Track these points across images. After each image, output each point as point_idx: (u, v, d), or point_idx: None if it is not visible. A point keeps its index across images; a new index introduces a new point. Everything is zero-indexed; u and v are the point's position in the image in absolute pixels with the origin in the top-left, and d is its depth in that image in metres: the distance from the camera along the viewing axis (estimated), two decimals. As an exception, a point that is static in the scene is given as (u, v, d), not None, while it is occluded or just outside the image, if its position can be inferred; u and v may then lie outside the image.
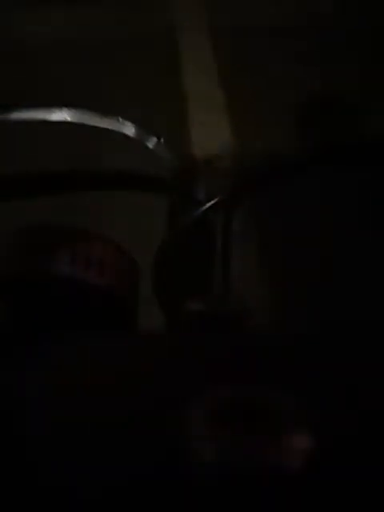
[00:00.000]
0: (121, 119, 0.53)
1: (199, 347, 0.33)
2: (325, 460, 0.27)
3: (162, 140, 0.52)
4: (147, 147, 0.53)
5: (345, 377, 0.31)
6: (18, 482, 0.28)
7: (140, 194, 0.51)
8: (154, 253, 0.47)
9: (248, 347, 0.33)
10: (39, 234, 0.42)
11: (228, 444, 0.27)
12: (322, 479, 0.27)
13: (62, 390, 0.31)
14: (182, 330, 0.39)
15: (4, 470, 0.28)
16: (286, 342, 0.34)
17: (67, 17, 1.74)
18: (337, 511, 0.26)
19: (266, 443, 0.27)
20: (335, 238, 0.53)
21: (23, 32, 1.55)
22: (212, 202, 0.47)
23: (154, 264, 0.46)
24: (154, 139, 0.53)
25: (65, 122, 0.53)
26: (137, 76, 1.37)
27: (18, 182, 0.47)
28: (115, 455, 0.28)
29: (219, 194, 0.48)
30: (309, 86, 1.18)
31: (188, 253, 0.48)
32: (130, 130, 0.53)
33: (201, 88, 1.31)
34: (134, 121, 0.53)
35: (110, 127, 0.52)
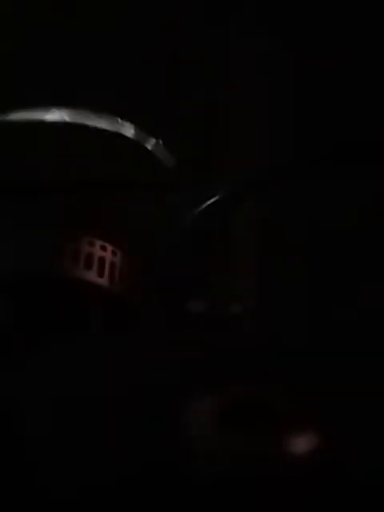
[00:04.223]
0: (120, 120, 0.53)
1: (199, 347, 0.33)
2: (326, 460, 0.27)
3: (160, 141, 0.52)
4: (146, 148, 0.53)
5: (345, 376, 0.31)
6: (18, 482, 0.28)
7: (140, 194, 0.51)
8: (154, 253, 0.47)
9: (248, 347, 0.33)
10: (39, 234, 0.42)
11: (228, 444, 0.27)
12: (322, 480, 0.27)
13: (61, 390, 0.31)
14: (182, 330, 0.39)
15: (4, 470, 0.28)
16: (286, 341, 0.34)
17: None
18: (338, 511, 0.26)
19: (266, 443, 0.27)
20: (335, 240, 0.53)
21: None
22: (212, 201, 0.47)
23: (154, 264, 0.46)
24: (153, 140, 0.53)
25: (63, 122, 0.53)
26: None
27: (17, 183, 0.47)
28: (114, 456, 0.28)
29: (219, 194, 0.48)
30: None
31: (188, 253, 0.48)
32: (128, 130, 0.53)
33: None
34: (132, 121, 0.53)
35: (108, 128, 0.52)
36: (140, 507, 0.27)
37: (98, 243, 0.42)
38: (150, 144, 0.52)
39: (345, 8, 0.61)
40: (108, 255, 0.42)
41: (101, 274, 0.41)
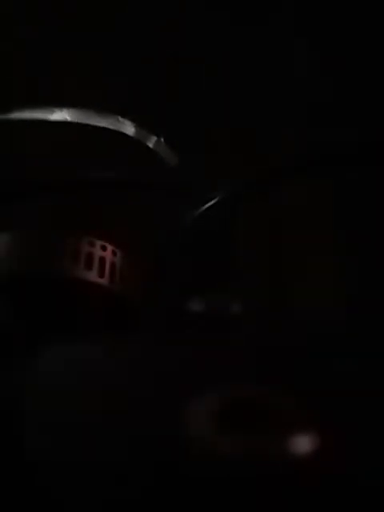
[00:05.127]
0: (120, 118, 0.53)
1: (199, 347, 0.33)
2: (326, 460, 0.27)
3: (162, 139, 0.53)
4: (147, 146, 0.53)
5: (346, 376, 0.31)
6: (18, 482, 0.28)
7: (140, 193, 0.51)
8: (154, 253, 0.47)
9: (248, 347, 0.33)
10: (39, 234, 0.42)
11: (228, 444, 0.27)
12: (323, 480, 0.27)
13: (61, 390, 0.31)
14: (182, 330, 0.39)
15: (4, 470, 0.28)
16: (286, 341, 0.34)
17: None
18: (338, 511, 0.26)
19: (266, 443, 0.27)
20: (336, 239, 0.53)
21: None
22: (212, 201, 0.47)
23: (154, 264, 0.46)
24: (154, 138, 0.53)
25: (64, 121, 0.53)
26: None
27: (17, 184, 0.47)
28: (114, 455, 0.28)
29: (219, 194, 0.48)
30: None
31: (188, 253, 0.48)
32: (129, 129, 0.53)
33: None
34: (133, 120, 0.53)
35: (109, 126, 0.52)
36: (140, 507, 0.27)
37: (98, 243, 0.42)
38: (152, 142, 0.52)
39: (344, 8, 0.61)
40: (108, 255, 0.42)
41: (101, 274, 0.41)
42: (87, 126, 0.52)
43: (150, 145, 0.52)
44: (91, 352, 0.33)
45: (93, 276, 0.41)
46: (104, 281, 0.41)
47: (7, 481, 0.28)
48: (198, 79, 0.60)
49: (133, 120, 0.53)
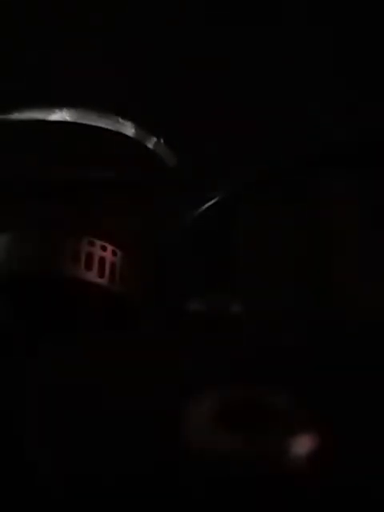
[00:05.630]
0: (120, 118, 0.53)
1: (199, 347, 0.33)
2: (325, 460, 0.27)
3: (161, 140, 0.53)
4: (147, 146, 0.53)
5: (345, 376, 0.31)
6: (18, 482, 0.28)
7: (140, 193, 0.51)
8: (154, 253, 0.47)
9: (248, 347, 0.33)
10: (39, 234, 0.42)
11: (227, 444, 0.27)
12: (322, 479, 0.27)
13: (61, 389, 0.31)
14: (182, 330, 0.39)
15: (4, 470, 0.28)
16: (286, 341, 0.34)
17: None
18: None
19: (266, 443, 0.27)
20: (336, 238, 0.53)
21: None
22: (212, 201, 0.47)
23: (153, 264, 0.46)
24: (154, 139, 0.53)
25: (64, 121, 0.53)
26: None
27: (17, 184, 0.47)
28: (114, 455, 0.28)
29: (219, 194, 0.48)
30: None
31: (188, 253, 0.48)
32: (129, 129, 0.53)
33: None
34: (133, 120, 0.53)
35: (109, 126, 0.52)
36: (140, 507, 0.27)
37: (98, 243, 0.42)
38: (152, 143, 0.52)
39: (341, 8, 0.61)
40: (108, 255, 0.42)
41: (101, 274, 0.41)
42: (87, 125, 0.52)
43: (150, 145, 0.52)
44: (91, 352, 0.33)
45: (93, 276, 0.41)
46: (104, 281, 0.41)
47: (7, 481, 0.28)
48: (198, 79, 0.60)
49: (133, 120, 0.53)
